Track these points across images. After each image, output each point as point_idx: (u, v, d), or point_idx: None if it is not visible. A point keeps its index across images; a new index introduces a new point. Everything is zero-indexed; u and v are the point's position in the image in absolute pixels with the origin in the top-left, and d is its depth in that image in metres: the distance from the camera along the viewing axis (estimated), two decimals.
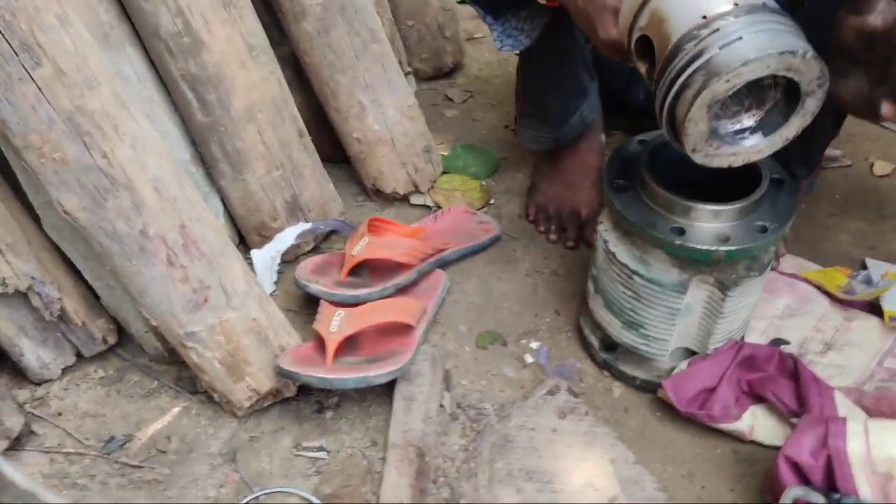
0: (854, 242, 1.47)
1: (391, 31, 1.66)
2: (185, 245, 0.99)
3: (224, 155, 1.26)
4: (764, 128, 0.89)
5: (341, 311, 1.16)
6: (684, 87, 0.80)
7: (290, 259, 1.39)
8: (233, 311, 1.06)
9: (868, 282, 1.36)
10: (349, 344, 1.17)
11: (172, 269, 0.99)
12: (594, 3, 0.87)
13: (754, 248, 1.04)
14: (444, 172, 1.57)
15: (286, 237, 1.34)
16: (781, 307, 1.32)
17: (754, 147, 0.89)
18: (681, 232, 1.05)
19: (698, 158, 0.88)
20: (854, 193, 1.57)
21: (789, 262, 1.41)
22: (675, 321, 1.12)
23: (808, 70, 0.80)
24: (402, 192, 1.50)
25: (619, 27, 0.86)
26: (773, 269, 1.39)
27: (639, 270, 1.10)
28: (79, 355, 1.22)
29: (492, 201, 1.54)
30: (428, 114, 1.73)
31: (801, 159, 1.25)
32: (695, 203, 1.05)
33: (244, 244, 1.40)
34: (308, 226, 1.36)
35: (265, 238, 1.35)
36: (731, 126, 0.88)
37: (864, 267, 1.40)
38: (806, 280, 1.36)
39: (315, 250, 1.43)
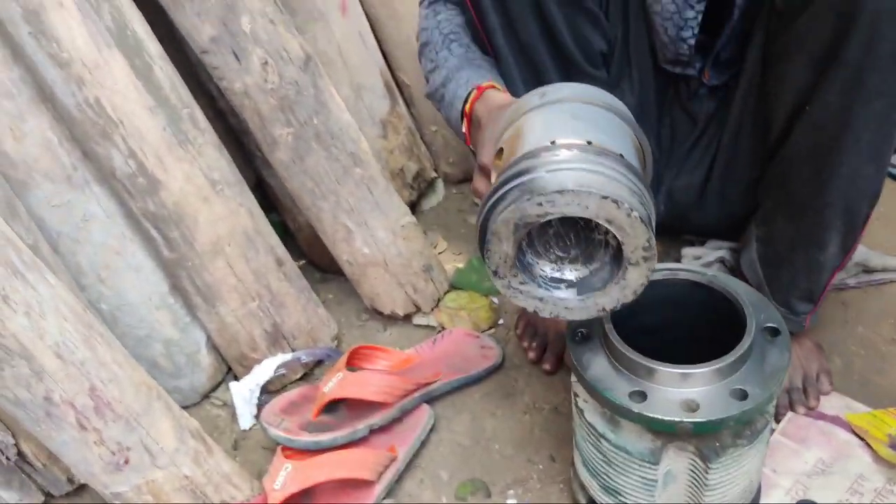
0: None
1: (409, 140, 1.60)
2: (98, 408, 0.95)
3: (195, 288, 1.22)
4: (580, 286, 0.82)
5: (289, 465, 1.09)
6: (500, 199, 0.76)
7: (276, 389, 1.33)
8: (160, 471, 1.01)
9: None
10: (306, 496, 1.09)
11: (85, 432, 0.95)
12: (483, 133, 0.90)
13: (729, 420, 0.88)
14: (454, 287, 1.48)
15: (265, 369, 1.28)
16: (812, 461, 1.13)
17: (564, 302, 0.82)
18: (642, 397, 0.91)
19: (500, 286, 0.81)
20: None
21: (833, 402, 1.21)
22: (655, 492, 0.97)
23: (633, 232, 0.75)
24: (401, 313, 1.42)
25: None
26: (811, 409, 1.19)
27: (606, 434, 0.96)
28: (49, 494, 1.21)
29: (500, 321, 1.43)
30: (451, 220, 1.65)
31: (802, 293, 1.07)
32: (656, 364, 0.91)
33: (232, 373, 1.37)
34: (288, 357, 1.30)
35: (247, 369, 1.31)
36: (548, 269, 0.83)
37: None
38: (849, 425, 1.16)
39: (305, 378, 1.37)
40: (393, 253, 1.36)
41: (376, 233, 1.34)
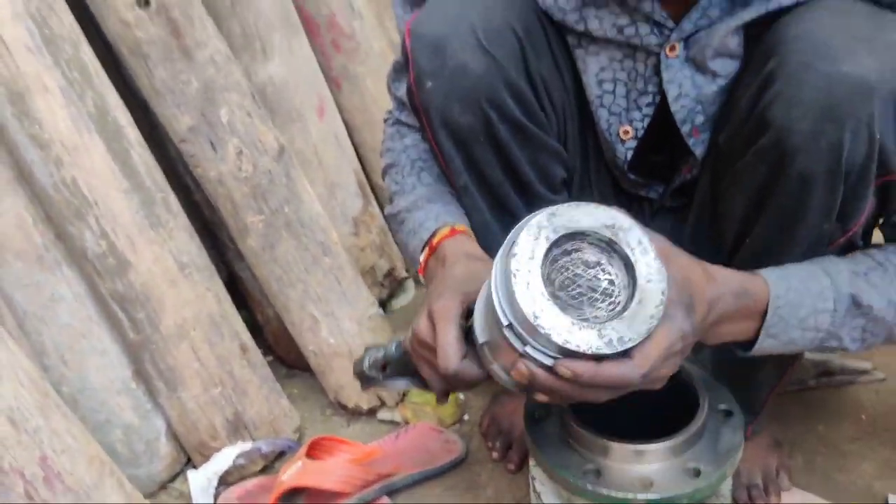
0: (879, 474, 1.24)
1: (381, 239, 1.64)
2: (48, 478, 0.93)
3: (157, 372, 1.22)
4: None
5: None
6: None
7: (234, 480, 1.30)
8: None
9: None
10: None
11: None
12: (444, 274, 0.92)
13: (682, 498, 0.88)
14: None
15: (224, 458, 1.27)
16: None
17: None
18: (597, 474, 0.91)
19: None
20: (885, 413, 1.35)
21: (794, 498, 1.20)
22: None
23: None
24: (366, 407, 1.41)
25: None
26: None
27: None
28: None
29: (465, 417, 1.43)
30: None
31: (743, 405, 1.09)
32: (611, 441, 0.91)
33: (191, 463, 1.34)
34: (248, 446, 1.29)
35: (206, 458, 1.29)
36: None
37: None
38: None
39: (265, 471, 1.34)
40: (359, 344, 1.37)
41: (343, 323, 1.35)
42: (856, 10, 0.87)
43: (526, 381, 0.75)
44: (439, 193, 1.07)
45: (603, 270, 0.76)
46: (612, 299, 0.75)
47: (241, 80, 1.23)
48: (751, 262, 0.97)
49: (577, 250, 0.77)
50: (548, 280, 0.74)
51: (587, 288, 0.75)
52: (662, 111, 1.03)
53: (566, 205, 0.78)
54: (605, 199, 1.18)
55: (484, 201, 1.06)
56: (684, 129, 1.03)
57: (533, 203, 1.06)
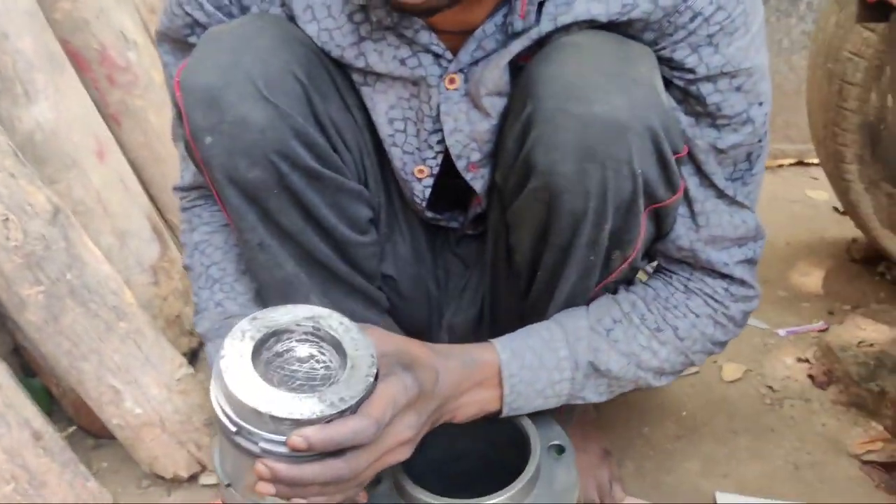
0: (704, 471, 1.29)
1: (184, 284, 1.52)
2: None
3: None
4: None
5: None
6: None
7: None
8: None
9: None
10: None
11: None
12: None
13: None
14: None
15: None
16: None
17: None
18: None
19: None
20: (703, 407, 1.42)
21: None
22: None
23: None
24: (185, 475, 1.30)
25: None
26: None
27: None
28: None
29: None
30: None
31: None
32: (446, 501, 0.87)
33: None
34: None
35: None
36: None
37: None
38: None
39: None
40: (169, 410, 1.26)
41: (149, 390, 1.24)
42: (603, 44, 0.88)
43: (272, 482, 0.76)
44: (228, 324, 1.04)
45: (316, 361, 0.80)
46: (332, 381, 0.79)
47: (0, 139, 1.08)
48: (545, 291, 0.99)
49: (287, 350, 0.80)
50: (266, 379, 0.76)
51: (306, 379, 0.79)
52: None
53: (266, 309, 0.83)
54: (413, 232, 1.15)
55: (287, 253, 0.99)
56: (460, 165, 1.01)
57: (341, 248, 1.01)
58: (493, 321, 1.20)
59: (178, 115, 0.93)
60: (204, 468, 1.32)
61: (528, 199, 0.91)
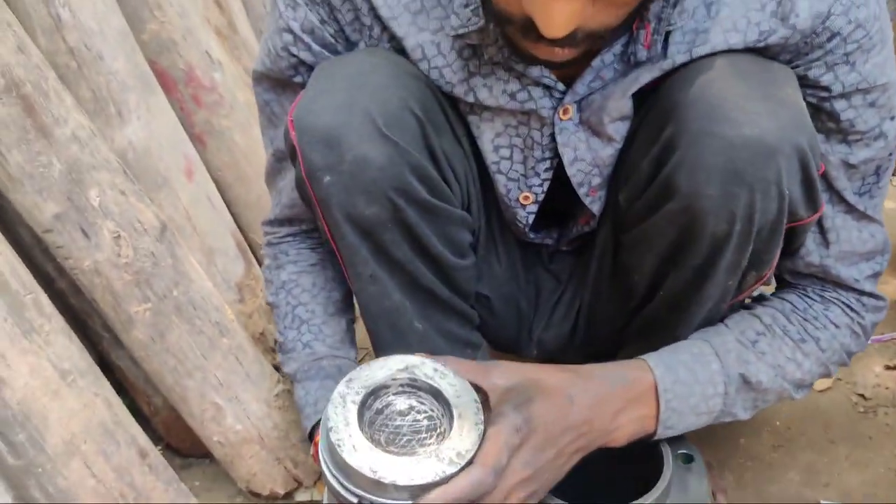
0: (806, 481, 1.27)
1: None
2: None
3: (47, 497, 1.06)
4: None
5: None
6: None
7: None
8: None
9: None
10: None
11: None
12: None
13: None
14: None
15: None
16: None
17: None
18: None
19: None
20: (797, 417, 1.40)
21: None
22: None
23: None
24: (282, 492, 1.30)
25: None
26: None
27: None
28: None
29: None
30: None
31: None
32: None
33: None
34: None
35: None
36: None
37: None
38: None
39: None
40: (269, 426, 1.26)
41: (249, 406, 1.24)
42: (745, 65, 0.88)
43: None
44: (316, 365, 1.08)
45: (417, 412, 0.80)
46: (437, 431, 0.79)
47: (109, 156, 1.09)
48: (663, 312, 0.97)
49: (387, 406, 0.80)
50: (374, 441, 0.77)
51: (411, 433, 0.79)
52: (559, 170, 1.01)
53: (359, 367, 0.82)
54: (509, 252, 1.15)
55: (395, 284, 1.00)
56: (581, 191, 1.01)
57: (444, 272, 1.02)
58: (587, 337, 1.19)
59: (291, 154, 0.93)
60: (300, 484, 1.32)
61: (663, 221, 0.90)
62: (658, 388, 0.91)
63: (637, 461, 0.95)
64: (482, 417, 0.79)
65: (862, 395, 1.44)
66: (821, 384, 1.46)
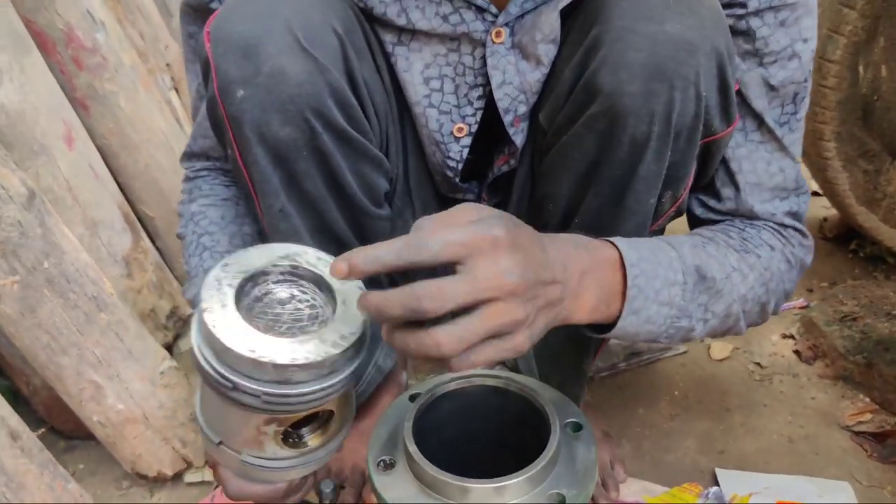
0: (702, 448, 1.28)
1: (158, 276, 1.46)
2: None
3: None
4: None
5: None
6: None
7: None
8: None
9: (720, 500, 1.16)
10: None
11: None
12: None
13: None
14: None
15: None
16: None
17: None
18: None
19: None
20: (694, 386, 1.41)
21: (632, 488, 1.21)
22: None
23: None
24: (170, 473, 1.25)
25: None
26: (613, 501, 1.18)
27: None
28: None
29: None
30: None
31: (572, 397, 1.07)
32: (468, 482, 0.84)
33: None
34: None
35: None
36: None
37: (716, 480, 1.21)
38: None
39: None
40: (153, 405, 1.20)
41: (132, 385, 1.18)
42: None
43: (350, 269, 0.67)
44: None
45: (299, 301, 0.75)
46: (320, 319, 0.74)
47: None
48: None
49: (267, 294, 0.75)
50: (253, 327, 0.70)
51: (292, 321, 0.73)
52: (489, 100, 0.98)
53: (237, 252, 0.76)
54: (426, 209, 1.11)
55: (304, 223, 0.95)
56: (507, 119, 0.98)
57: (357, 219, 0.97)
58: None
59: (205, 71, 0.88)
60: (189, 465, 1.27)
61: (583, 130, 0.87)
62: (624, 259, 0.83)
63: (525, 432, 0.93)
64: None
65: (758, 364, 1.46)
66: (719, 353, 1.48)
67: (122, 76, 1.41)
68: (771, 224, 0.99)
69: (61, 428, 1.35)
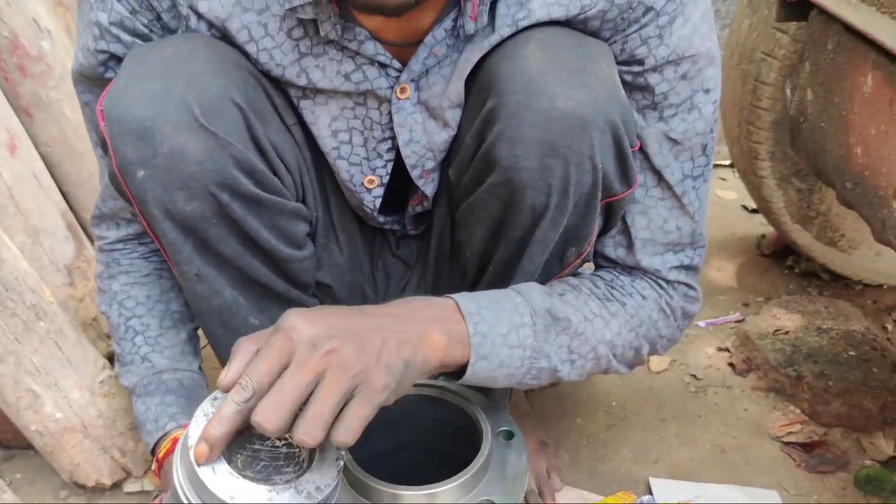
0: (637, 458, 1.32)
1: None
2: None
3: None
4: None
5: None
6: None
7: None
8: None
9: None
10: None
11: None
12: None
13: None
14: None
15: None
16: None
17: None
18: None
19: None
20: (631, 397, 1.45)
21: (568, 496, 1.23)
22: None
23: None
24: (109, 482, 1.24)
25: None
26: None
27: None
28: None
29: None
30: None
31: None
32: (401, 489, 0.86)
33: None
34: None
35: None
36: None
37: (650, 489, 1.25)
38: None
39: None
40: (92, 414, 1.20)
41: (70, 394, 1.17)
42: (563, 40, 0.89)
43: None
44: (157, 379, 1.05)
45: (278, 438, 0.76)
46: (296, 460, 0.77)
47: None
48: (497, 285, 0.97)
49: (247, 428, 0.75)
50: (232, 463, 0.74)
51: (269, 459, 0.76)
52: (399, 150, 0.99)
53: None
54: (351, 240, 1.13)
55: (225, 280, 0.96)
56: (415, 173, 1.00)
57: (278, 265, 0.99)
58: None
59: (103, 147, 0.88)
60: (128, 475, 1.26)
61: (486, 194, 0.90)
62: (461, 309, 0.86)
63: (458, 441, 0.95)
64: (342, 452, 0.79)
65: (694, 376, 1.50)
66: (657, 365, 1.52)
67: (66, 84, 1.40)
68: (650, 277, 1.02)
69: (0, 437, 1.34)
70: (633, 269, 1.02)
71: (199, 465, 0.72)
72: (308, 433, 0.71)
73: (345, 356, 0.73)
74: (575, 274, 1.04)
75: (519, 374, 0.90)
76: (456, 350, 0.84)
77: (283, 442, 0.77)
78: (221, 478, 0.72)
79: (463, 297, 0.88)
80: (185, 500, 0.74)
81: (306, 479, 0.75)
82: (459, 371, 0.87)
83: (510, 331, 0.88)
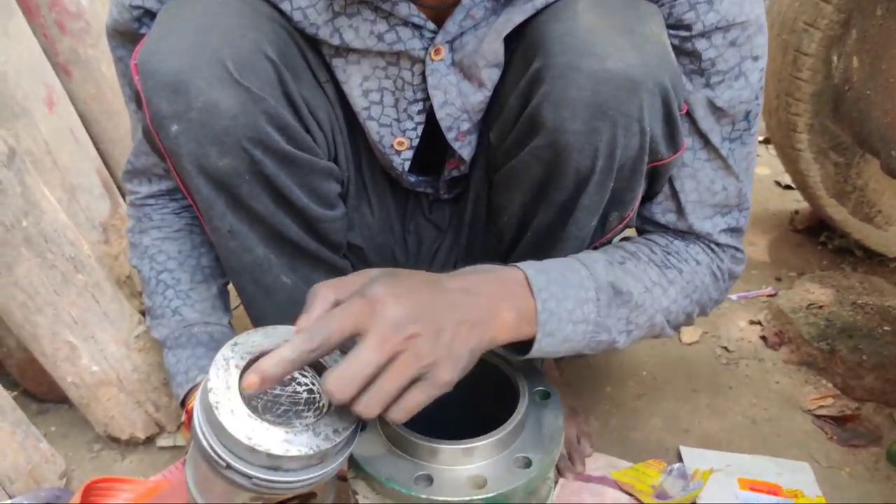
0: (667, 427, 1.31)
1: None
2: None
3: None
4: None
5: None
6: None
7: None
8: None
9: (683, 476, 1.19)
10: None
11: None
12: None
13: (518, 491, 0.85)
14: None
15: None
16: None
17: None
18: (428, 480, 0.85)
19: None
20: (662, 367, 1.44)
21: (598, 462, 1.23)
22: None
23: None
24: (142, 436, 1.25)
25: None
26: (579, 473, 1.21)
27: None
28: None
29: None
30: None
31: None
32: (438, 443, 0.86)
33: None
34: None
35: None
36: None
37: (680, 457, 1.24)
38: (615, 483, 1.18)
39: None
40: (128, 368, 1.21)
41: (106, 347, 1.18)
42: (612, 1, 0.87)
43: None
44: (187, 332, 1.06)
45: (298, 384, 0.79)
46: (316, 405, 0.78)
47: None
48: (531, 252, 0.97)
49: None
50: (251, 408, 0.75)
51: (290, 404, 0.77)
52: (431, 113, 0.99)
53: (246, 333, 0.80)
54: (382, 202, 1.13)
55: (256, 237, 0.96)
56: (450, 136, 1.00)
57: (310, 224, 0.99)
58: None
59: (137, 101, 0.88)
60: (162, 429, 1.28)
61: (529, 157, 0.89)
62: (531, 285, 0.85)
63: (493, 400, 0.95)
64: None
65: (725, 348, 1.49)
66: (689, 337, 1.51)
67: (104, 42, 1.39)
68: (702, 241, 1.02)
69: (34, 391, 1.35)
70: (686, 234, 1.02)
71: (244, 390, 0.73)
72: (368, 407, 0.73)
73: (421, 345, 0.74)
74: (625, 238, 1.03)
75: (579, 348, 0.91)
76: (523, 328, 0.85)
77: (303, 387, 0.78)
78: (240, 420, 0.73)
79: (532, 269, 0.87)
80: (204, 443, 0.74)
81: (325, 422, 0.76)
82: (522, 344, 0.87)
83: (576, 307, 0.88)
